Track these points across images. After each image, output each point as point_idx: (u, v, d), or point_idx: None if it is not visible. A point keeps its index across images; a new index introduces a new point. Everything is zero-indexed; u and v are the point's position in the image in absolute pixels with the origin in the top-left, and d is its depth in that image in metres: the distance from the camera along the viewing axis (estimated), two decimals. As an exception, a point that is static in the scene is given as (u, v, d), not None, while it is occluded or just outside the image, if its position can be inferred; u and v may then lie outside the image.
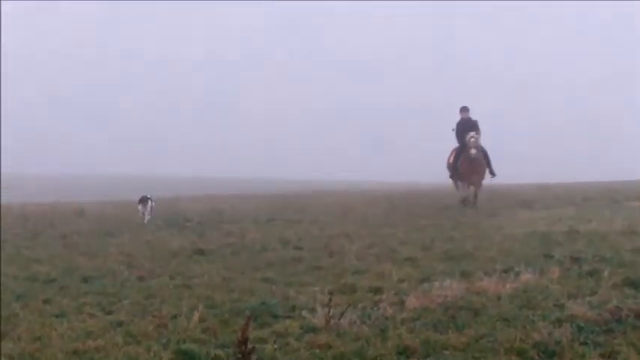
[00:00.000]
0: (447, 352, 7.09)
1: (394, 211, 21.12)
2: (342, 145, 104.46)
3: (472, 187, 22.54)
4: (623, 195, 23.98)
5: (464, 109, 22.98)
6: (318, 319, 8.18)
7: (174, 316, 8.75)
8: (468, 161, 22.16)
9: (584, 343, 7.28)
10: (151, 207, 20.14)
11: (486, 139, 22.92)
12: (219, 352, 7.33)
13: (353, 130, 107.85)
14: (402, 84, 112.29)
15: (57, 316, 9.14)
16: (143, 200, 20.00)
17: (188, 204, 25.37)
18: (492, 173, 22.72)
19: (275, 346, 7.51)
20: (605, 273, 10.23)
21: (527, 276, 10.06)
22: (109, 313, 9.20)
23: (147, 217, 19.89)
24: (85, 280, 11.37)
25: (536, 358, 6.96)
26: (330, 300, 8.40)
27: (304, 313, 8.60)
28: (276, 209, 22.31)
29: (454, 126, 23.01)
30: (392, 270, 11.21)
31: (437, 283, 9.82)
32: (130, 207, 21.90)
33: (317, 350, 7.29)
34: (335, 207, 22.72)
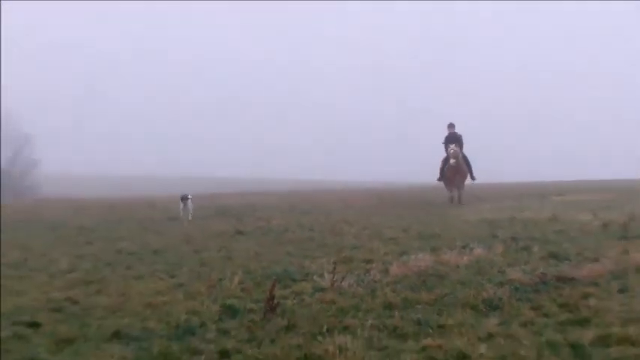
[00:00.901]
0: (419, 306, 7.12)
1: (382, 205, 21.25)
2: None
3: (456, 189, 21.64)
4: (549, 192, 23.97)
5: (450, 126, 22.21)
6: (325, 282, 8.26)
7: (220, 280, 8.83)
8: (451, 168, 21.38)
9: (519, 300, 7.34)
10: (190, 205, 17.18)
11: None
12: (254, 305, 7.31)
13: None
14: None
15: (135, 279, 9.21)
16: (184, 198, 16.91)
17: (226, 199, 25.37)
18: (472, 178, 22.02)
19: (294, 302, 7.55)
20: (535, 248, 10.37)
21: (478, 251, 10.16)
22: (173, 277, 9.27)
23: (189, 214, 17.12)
24: (156, 252, 11.40)
25: (484, 310, 6.93)
26: (334, 268, 8.55)
27: (315, 277, 8.70)
28: (293, 203, 22.40)
29: (443, 140, 22.32)
30: (379, 246, 11.35)
31: (413, 256, 9.88)
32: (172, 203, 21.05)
33: (324, 305, 7.31)
34: (336, 201, 22.80)
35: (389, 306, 7.20)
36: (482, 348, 5.65)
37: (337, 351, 5.58)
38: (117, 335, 6.36)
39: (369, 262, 9.76)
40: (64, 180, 49.40)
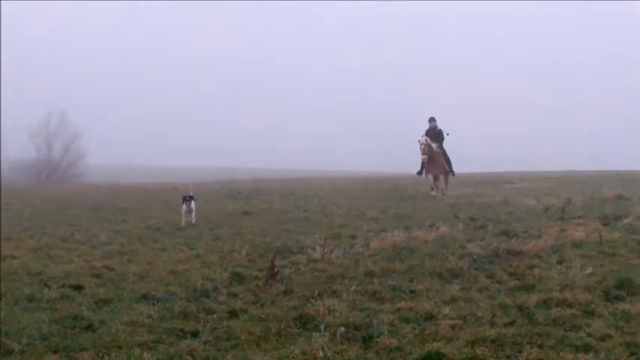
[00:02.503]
0: (394, 275, 7.09)
1: (366, 190, 21.05)
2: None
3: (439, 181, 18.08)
4: (502, 180, 23.82)
5: (431, 120, 18.48)
6: (317, 254, 8.21)
7: (231, 251, 8.77)
8: (425, 163, 17.94)
9: (477, 269, 7.30)
10: (194, 206, 12.45)
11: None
12: (258, 273, 7.28)
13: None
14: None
15: (161, 250, 9.16)
16: (186, 199, 12.39)
17: (238, 184, 25.28)
18: (451, 172, 18.35)
19: (291, 270, 7.52)
20: (490, 227, 10.29)
21: (443, 229, 10.09)
22: (192, 249, 9.21)
23: (193, 217, 12.40)
24: (178, 229, 11.35)
25: (448, 278, 6.91)
26: (325, 243, 8.50)
27: (309, 250, 8.62)
28: (292, 188, 22.29)
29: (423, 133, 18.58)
30: (362, 225, 11.29)
31: (389, 233, 9.75)
32: (198, 187, 20.29)
33: (316, 273, 7.29)
34: (327, 187, 22.69)
35: (369, 274, 7.14)
36: (447, 309, 5.62)
37: (327, 312, 5.56)
38: (145, 297, 6.34)
39: (353, 237, 9.74)
40: (110, 170, 49.03)
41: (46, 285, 6.77)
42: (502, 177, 25.78)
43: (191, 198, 12.03)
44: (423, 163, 18.02)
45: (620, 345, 4.65)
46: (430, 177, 18.05)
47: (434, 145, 17.87)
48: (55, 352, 4.72)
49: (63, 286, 6.75)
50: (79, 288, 6.68)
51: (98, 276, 7.33)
